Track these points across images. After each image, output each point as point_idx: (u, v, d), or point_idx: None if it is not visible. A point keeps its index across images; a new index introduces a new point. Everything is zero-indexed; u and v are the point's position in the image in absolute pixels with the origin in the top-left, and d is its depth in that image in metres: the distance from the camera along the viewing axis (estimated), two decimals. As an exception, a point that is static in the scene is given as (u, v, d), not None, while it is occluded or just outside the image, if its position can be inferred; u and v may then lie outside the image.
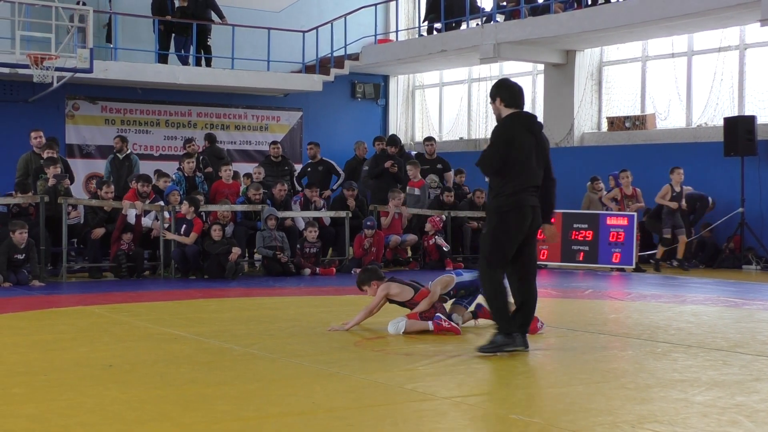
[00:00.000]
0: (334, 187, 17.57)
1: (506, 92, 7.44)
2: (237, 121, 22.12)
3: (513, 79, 7.74)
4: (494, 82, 7.81)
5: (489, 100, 7.61)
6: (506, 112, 7.39)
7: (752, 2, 15.08)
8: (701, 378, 6.25)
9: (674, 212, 15.95)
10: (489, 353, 7.07)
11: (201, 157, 16.74)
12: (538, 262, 16.63)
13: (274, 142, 18.29)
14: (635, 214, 16.10)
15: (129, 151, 16.60)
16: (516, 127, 7.26)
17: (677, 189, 15.98)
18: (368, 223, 15.37)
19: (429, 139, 18.53)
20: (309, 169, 17.58)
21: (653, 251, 16.58)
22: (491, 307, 7.38)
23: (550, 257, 16.11)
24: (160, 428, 4.84)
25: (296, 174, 17.72)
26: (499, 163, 7.18)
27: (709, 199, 16.95)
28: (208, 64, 20.64)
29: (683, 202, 16.05)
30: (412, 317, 8.22)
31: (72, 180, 15.15)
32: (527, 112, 7.52)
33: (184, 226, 14.06)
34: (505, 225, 7.17)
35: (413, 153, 19.72)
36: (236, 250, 13.82)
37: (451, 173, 18.04)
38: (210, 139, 18.15)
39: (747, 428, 4.91)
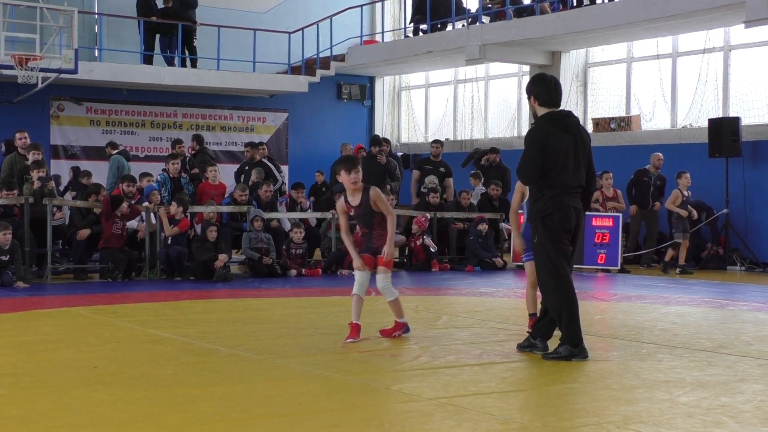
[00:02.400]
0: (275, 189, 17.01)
1: (542, 89, 7.08)
2: (223, 122, 22.10)
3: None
4: (531, 77, 7.40)
5: (525, 96, 7.23)
6: (541, 111, 7.05)
7: (737, 4, 15.14)
8: (686, 379, 6.28)
9: (684, 216, 15.91)
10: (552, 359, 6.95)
11: (188, 158, 16.67)
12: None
13: (247, 144, 17.85)
14: (620, 215, 16.13)
15: (114, 153, 16.65)
16: (550, 130, 6.90)
17: (686, 193, 15.97)
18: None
19: (436, 141, 18.46)
20: (246, 167, 17.02)
21: (642, 251, 16.65)
22: (561, 317, 6.99)
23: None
24: (145, 429, 4.83)
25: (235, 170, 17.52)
26: (538, 171, 6.85)
27: (714, 211, 16.91)
28: (194, 65, 20.60)
29: (690, 208, 16.00)
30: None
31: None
32: (562, 111, 7.12)
33: (172, 225, 14.01)
34: (550, 229, 6.89)
35: (399, 154, 19.70)
36: (223, 257, 13.73)
37: (452, 180, 17.95)
38: (199, 140, 18.04)
39: (731, 429, 4.93)
